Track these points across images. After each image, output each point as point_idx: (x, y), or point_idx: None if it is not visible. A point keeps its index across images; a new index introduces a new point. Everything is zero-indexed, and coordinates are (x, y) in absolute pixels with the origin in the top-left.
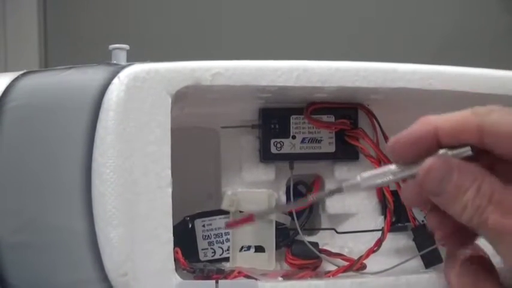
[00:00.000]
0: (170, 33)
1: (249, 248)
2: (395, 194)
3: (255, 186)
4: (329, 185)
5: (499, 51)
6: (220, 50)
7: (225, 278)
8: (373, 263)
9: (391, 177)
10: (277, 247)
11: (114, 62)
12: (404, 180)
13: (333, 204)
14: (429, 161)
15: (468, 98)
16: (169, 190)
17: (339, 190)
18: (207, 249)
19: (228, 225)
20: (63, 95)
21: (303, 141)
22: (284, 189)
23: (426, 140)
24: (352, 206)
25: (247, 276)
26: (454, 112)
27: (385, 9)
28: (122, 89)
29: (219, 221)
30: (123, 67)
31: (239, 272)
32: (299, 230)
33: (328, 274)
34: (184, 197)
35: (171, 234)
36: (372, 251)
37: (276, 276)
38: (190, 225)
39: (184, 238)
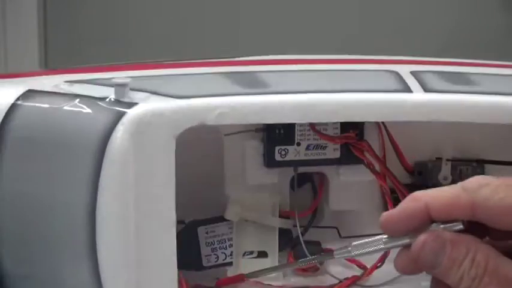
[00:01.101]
0: (169, 32)
1: (251, 253)
2: (398, 201)
3: (259, 190)
4: (333, 185)
5: (499, 50)
6: (220, 47)
7: None
8: (376, 272)
9: (382, 246)
10: (280, 249)
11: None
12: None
13: (337, 201)
14: (422, 237)
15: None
16: (174, 230)
17: (329, 256)
18: (210, 255)
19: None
20: (66, 135)
21: (307, 148)
22: (288, 193)
23: (417, 216)
24: (356, 202)
25: None
26: (445, 187)
27: (385, 9)
28: (126, 138)
29: (222, 228)
30: (127, 107)
31: None
32: (300, 235)
33: None
34: (187, 202)
35: (176, 276)
36: (375, 267)
37: None
38: (193, 232)
39: (188, 244)
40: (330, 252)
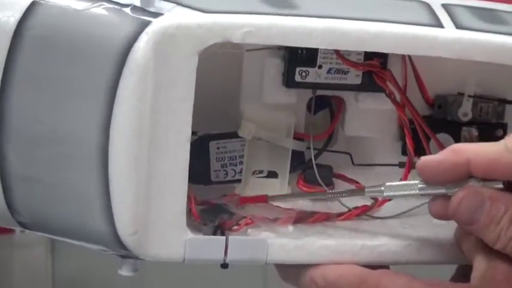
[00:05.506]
0: None
1: (261, 172)
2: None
3: (275, 110)
4: (351, 110)
5: None
6: None
7: (237, 225)
8: (387, 204)
9: (416, 191)
10: (291, 171)
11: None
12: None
13: (353, 126)
14: (460, 193)
15: None
16: (188, 145)
17: (360, 193)
18: (219, 170)
19: (241, 202)
20: (86, 40)
21: (329, 71)
22: (304, 114)
23: (457, 169)
24: (372, 129)
25: (258, 224)
26: (488, 144)
27: None
28: (149, 48)
29: (234, 144)
30: (152, 16)
31: (251, 219)
32: (313, 158)
33: (339, 217)
34: (201, 115)
35: (186, 190)
36: (386, 200)
37: (286, 223)
38: (204, 145)
39: (198, 157)
40: (361, 189)
